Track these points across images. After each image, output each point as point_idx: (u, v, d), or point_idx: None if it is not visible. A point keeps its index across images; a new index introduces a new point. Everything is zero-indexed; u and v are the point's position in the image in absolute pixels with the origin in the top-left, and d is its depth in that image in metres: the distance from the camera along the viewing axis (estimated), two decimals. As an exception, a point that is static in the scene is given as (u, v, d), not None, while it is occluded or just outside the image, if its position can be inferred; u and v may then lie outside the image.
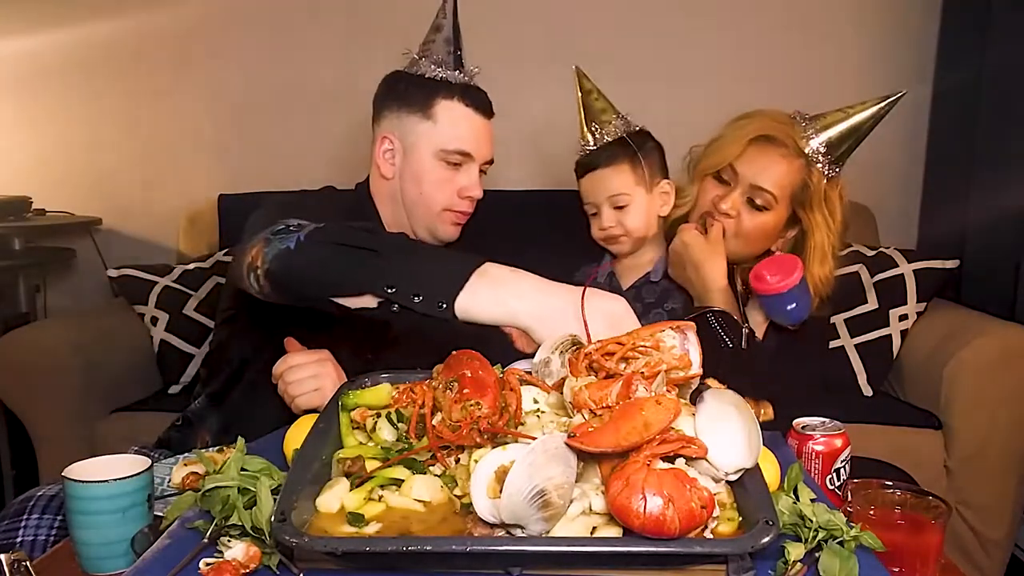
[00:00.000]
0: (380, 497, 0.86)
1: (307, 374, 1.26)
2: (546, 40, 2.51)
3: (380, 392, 1.04)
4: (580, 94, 1.62)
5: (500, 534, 0.78)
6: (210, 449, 1.03)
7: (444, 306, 0.99)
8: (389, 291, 1.02)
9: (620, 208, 1.51)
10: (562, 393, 0.94)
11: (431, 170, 1.47)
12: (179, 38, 2.59)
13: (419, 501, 0.85)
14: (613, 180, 1.52)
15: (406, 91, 1.48)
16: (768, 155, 1.49)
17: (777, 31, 2.44)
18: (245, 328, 1.43)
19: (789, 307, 1.41)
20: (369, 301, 1.04)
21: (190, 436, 1.45)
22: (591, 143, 1.57)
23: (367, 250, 1.05)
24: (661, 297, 1.50)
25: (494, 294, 1.00)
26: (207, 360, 1.61)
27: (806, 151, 1.49)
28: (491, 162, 1.54)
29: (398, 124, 1.48)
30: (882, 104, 1.49)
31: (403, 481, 0.88)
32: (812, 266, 1.51)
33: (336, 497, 0.85)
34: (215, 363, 1.54)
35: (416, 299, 1.00)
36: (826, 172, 1.49)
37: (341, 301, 1.06)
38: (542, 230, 1.96)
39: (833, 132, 1.49)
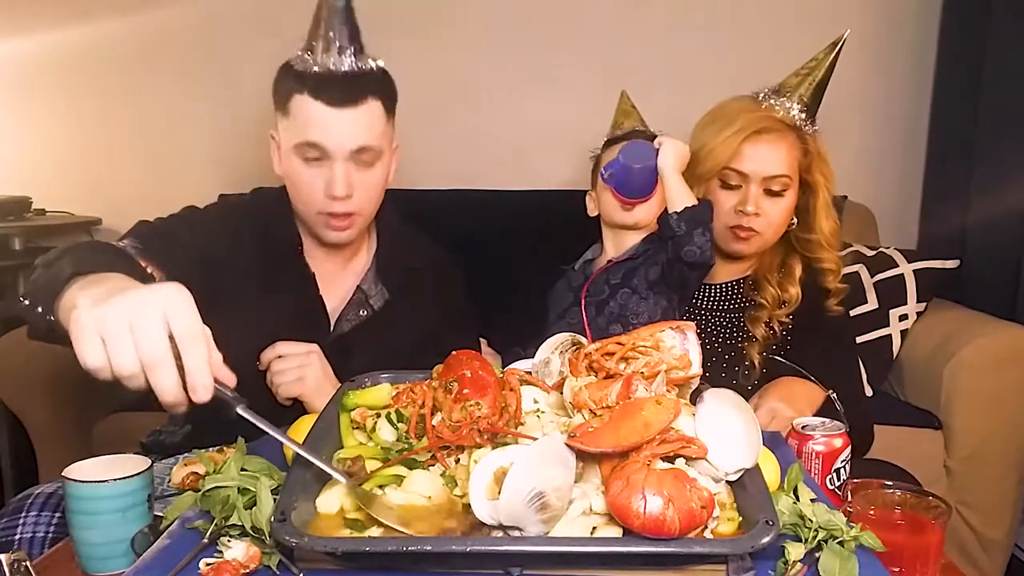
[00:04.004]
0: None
1: (293, 364, 1.30)
2: (547, 43, 2.51)
3: (380, 392, 1.04)
4: (622, 104, 1.67)
5: (498, 535, 0.78)
6: (210, 449, 1.03)
7: (51, 317, 0.93)
8: (23, 302, 0.97)
9: None
10: (562, 393, 0.94)
11: (295, 169, 1.36)
12: (179, 38, 2.59)
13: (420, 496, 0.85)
14: None
15: (276, 87, 1.40)
16: (764, 143, 1.52)
17: (775, 31, 2.44)
18: None
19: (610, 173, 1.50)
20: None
21: (169, 442, 1.45)
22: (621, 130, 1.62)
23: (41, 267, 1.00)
24: (626, 276, 1.52)
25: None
26: None
27: (790, 122, 1.55)
28: (367, 150, 1.34)
29: (276, 121, 1.41)
30: (834, 52, 1.58)
31: (403, 479, 0.88)
32: (821, 222, 1.58)
33: (336, 497, 0.85)
34: None
35: (39, 310, 0.95)
36: (811, 131, 1.57)
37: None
38: (541, 230, 1.95)
39: (805, 95, 1.57)
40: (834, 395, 1.33)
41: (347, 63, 1.34)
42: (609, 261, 1.57)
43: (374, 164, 1.37)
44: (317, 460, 0.85)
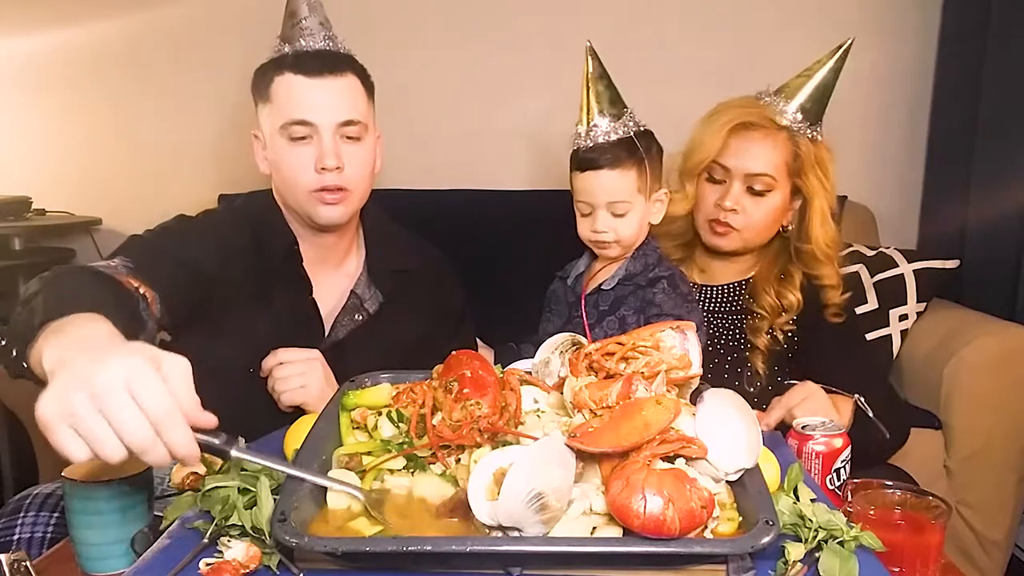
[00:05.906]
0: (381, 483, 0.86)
1: (295, 371, 1.28)
2: (546, 39, 2.51)
3: (380, 392, 1.04)
4: (589, 76, 1.46)
5: (498, 535, 0.77)
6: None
7: (25, 363, 0.90)
8: (1, 343, 0.94)
9: (618, 215, 1.42)
10: (562, 393, 0.94)
11: (282, 152, 1.36)
12: (179, 38, 2.59)
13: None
14: (616, 184, 1.41)
15: (255, 83, 1.42)
16: (750, 140, 1.51)
17: (774, 32, 2.44)
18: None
19: None
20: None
21: None
22: (595, 136, 1.43)
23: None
24: (614, 304, 1.45)
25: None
26: None
27: (784, 123, 1.52)
28: (352, 123, 1.36)
29: (259, 118, 1.42)
30: (837, 55, 1.53)
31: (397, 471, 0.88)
32: (815, 230, 1.54)
33: (341, 496, 0.85)
34: None
35: (13, 354, 0.92)
36: (809, 136, 1.53)
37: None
38: (542, 230, 1.95)
39: (803, 97, 1.53)
40: (860, 400, 1.32)
41: (322, 43, 1.40)
42: (599, 286, 1.48)
43: (361, 140, 1.38)
44: (325, 480, 0.86)
